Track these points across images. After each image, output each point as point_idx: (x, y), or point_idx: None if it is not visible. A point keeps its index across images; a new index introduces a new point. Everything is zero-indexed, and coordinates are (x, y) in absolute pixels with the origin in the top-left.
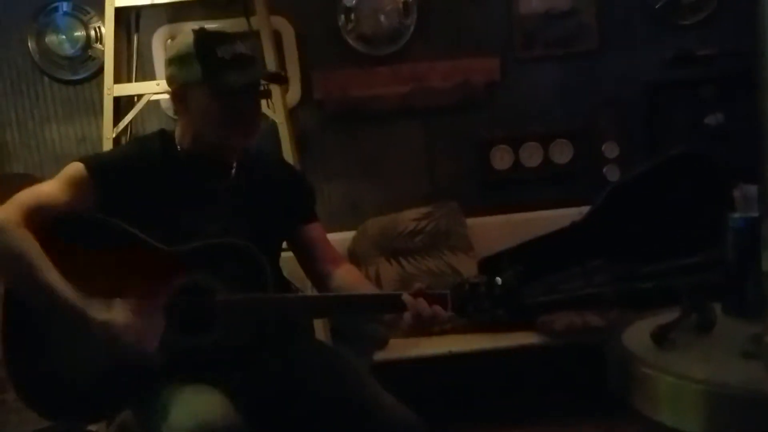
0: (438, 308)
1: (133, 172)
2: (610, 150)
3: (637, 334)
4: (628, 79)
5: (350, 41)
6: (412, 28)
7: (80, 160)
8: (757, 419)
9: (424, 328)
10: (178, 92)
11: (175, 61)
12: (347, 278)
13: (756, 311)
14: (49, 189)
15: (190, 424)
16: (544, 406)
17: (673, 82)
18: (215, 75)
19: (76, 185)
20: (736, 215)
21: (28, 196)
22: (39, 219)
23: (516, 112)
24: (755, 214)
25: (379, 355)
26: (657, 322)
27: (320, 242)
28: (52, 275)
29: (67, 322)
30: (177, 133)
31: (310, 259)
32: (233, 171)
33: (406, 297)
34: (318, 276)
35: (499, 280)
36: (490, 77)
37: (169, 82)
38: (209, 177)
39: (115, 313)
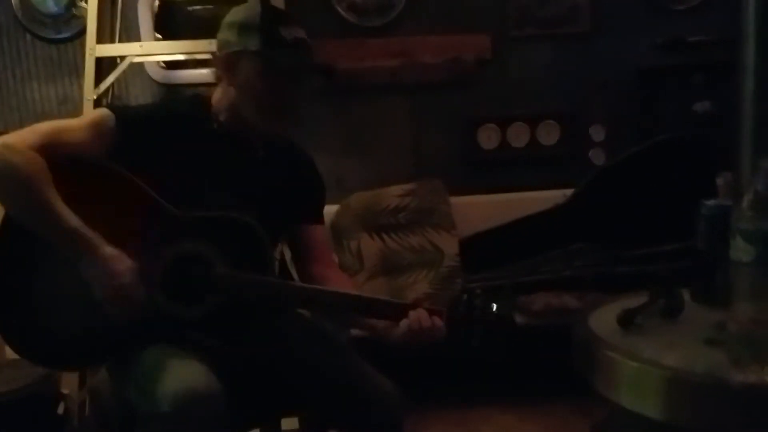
0: (437, 320)
1: (160, 130)
2: (597, 133)
3: (604, 317)
4: (618, 62)
5: (340, 11)
6: (403, 1)
7: (108, 107)
8: (718, 407)
9: (418, 341)
10: (230, 59)
11: (235, 27)
12: (339, 284)
13: (724, 299)
14: (71, 125)
15: (171, 390)
16: (519, 385)
17: (663, 68)
18: (274, 51)
19: (99, 128)
20: (710, 202)
21: (49, 125)
22: (54, 150)
23: (505, 91)
24: (728, 203)
25: (357, 330)
26: (624, 305)
27: (321, 245)
28: (58, 202)
29: (59, 253)
30: (214, 100)
31: (307, 259)
32: (260, 152)
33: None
34: (309, 277)
35: (494, 306)
36: (480, 54)
37: (222, 46)
38: (235, 153)
39: (123, 255)
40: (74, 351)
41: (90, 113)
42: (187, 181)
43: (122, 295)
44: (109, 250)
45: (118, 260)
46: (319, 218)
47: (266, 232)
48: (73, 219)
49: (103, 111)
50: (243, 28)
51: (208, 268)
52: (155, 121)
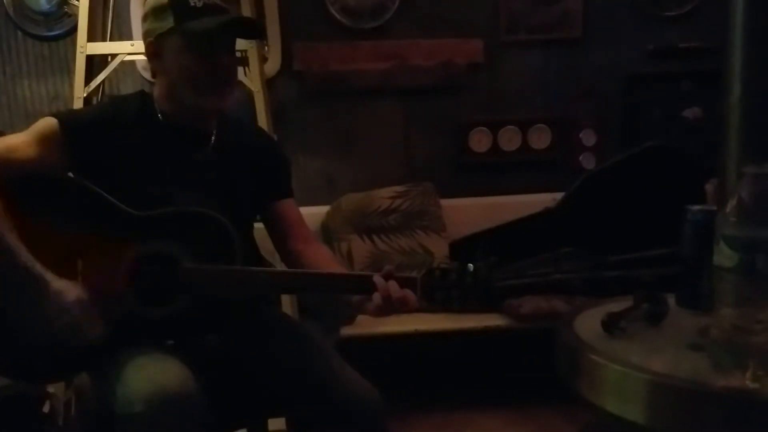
0: (408, 292)
1: (109, 133)
2: (587, 138)
3: (588, 321)
4: (609, 68)
5: (334, 13)
6: (397, 4)
7: (54, 116)
8: (700, 411)
9: (391, 311)
10: (153, 46)
11: (150, 15)
12: (318, 258)
13: (708, 305)
14: (19, 142)
15: (146, 390)
16: (505, 388)
17: (653, 74)
18: (186, 20)
19: (47, 141)
20: (695, 208)
21: None
22: (4, 172)
23: (497, 95)
24: (714, 208)
25: (346, 331)
26: (609, 309)
27: (294, 220)
28: (11, 237)
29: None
30: (155, 95)
31: (282, 236)
32: (212, 140)
33: (377, 278)
34: (288, 254)
35: (471, 266)
36: (472, 59)
37: (145, 38)
38: (187, 144)
39: (71, 285)
40: (50, 363)
41: (36, 124)
42: (142, 180)
43: (74, 328)
44: (57, 284)
45: (66, 293)
46: (287, 193)
47: (235, 218)
48: (23, 255)
49: (49, 121)
50: (155, 13)
51: (173, 266)
52: (102, 124)
